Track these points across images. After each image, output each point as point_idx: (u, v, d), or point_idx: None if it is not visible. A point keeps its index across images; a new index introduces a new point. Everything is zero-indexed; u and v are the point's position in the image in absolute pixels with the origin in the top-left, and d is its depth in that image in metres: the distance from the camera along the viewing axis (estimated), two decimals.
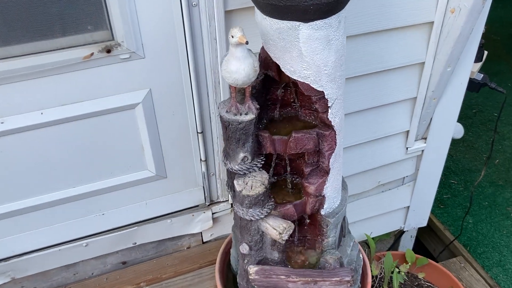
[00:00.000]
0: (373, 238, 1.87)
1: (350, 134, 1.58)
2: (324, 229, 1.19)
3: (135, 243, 1.51)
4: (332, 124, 1.06)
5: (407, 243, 2.25)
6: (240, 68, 0.92)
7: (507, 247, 2.37)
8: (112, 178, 1.37)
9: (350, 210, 1.85)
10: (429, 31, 1.44)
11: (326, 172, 1.13)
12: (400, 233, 2.19)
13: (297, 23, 0.90)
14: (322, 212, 1.17)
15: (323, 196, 1.15)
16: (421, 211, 2.01)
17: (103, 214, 1.42)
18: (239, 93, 1.04)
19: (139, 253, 1.56)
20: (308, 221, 1.22)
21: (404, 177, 1.87)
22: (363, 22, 1.36)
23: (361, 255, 1.35)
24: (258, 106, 1.03)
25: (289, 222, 1.09)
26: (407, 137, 1.70)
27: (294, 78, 0.98)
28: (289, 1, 0.86)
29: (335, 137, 1.08)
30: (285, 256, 1.17)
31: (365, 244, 1.98)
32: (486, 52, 1.76)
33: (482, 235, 2.45)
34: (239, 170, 1.08)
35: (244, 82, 0.96)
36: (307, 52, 0.93)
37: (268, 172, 1.14)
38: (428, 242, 2.59)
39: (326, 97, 1.01)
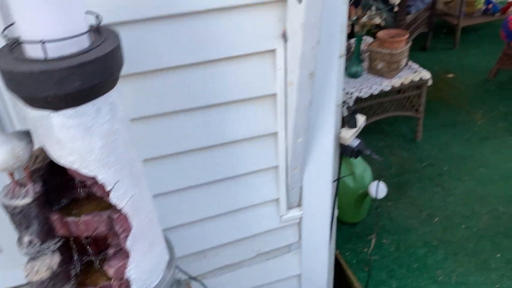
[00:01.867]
0: None
1: (210, 204, 1.56)
2: None
3: None
4: (119, 207, 1.03)
5: None
6: None
7: None
8: None
9: (232, 281, 1.80)
10: (275, 103, 1.44)
11: (126, 255, 1.10)
12: None
13: (47, 112, 0.89)
14: None
15: (127, 279, 1.11)
16: (317, 279, 1.95)
17: None
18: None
19: None
20: None
21: (289, 245, 1.83)
22: (207, 95, 1.36)
23: None
24: (38, 190, 1.01)
25: None
26: (278, 205, 1.67)
27: (62, 163, 0.96)
28: (27, 92, 0.85)
29: (127, 219, 1.05)
30: None
31: None
32: (362, 118, 1.76)
33: None
34: (27, 254, 1.05)
35: (5, 168, 0.94)
36: (65, 140, 0.92)
37: (72, 254, 1.11)
38: None
39: (100, 181, 0.99)
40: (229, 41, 1.31)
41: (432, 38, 4.58)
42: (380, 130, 3.53)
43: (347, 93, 2.97)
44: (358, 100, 3.00)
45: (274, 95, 1.41)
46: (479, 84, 3.96)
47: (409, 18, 3.86)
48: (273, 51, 1.34)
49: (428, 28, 4.36)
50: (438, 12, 4.67)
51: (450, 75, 4.10)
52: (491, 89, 3.87)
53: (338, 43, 1.43)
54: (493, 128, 3.46)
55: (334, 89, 1.48)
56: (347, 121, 1.69)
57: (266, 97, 1.42)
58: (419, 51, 4.52)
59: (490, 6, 4.67)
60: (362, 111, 3.10)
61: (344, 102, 1.65)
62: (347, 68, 3.10)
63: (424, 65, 4.23)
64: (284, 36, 1.32)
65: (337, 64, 1.46)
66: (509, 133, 3.38)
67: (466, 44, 4.58)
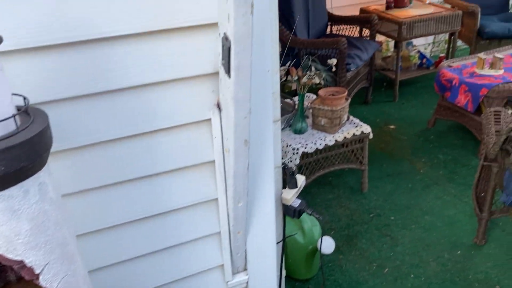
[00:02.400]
0: None
1: (154, 274, 1.53)
2: None
3: None
4: None
5: None
6: None
7: None
8: None
9: None
10: (214, 169, 1.46)
11: None
12: None
13: None
14: None
15: None
16: None
17: None
18: None
19: None
20: None
21: None
22: (146, 165, 1.38)
23: None
24: None
25: None
26: (223, 271, 1.66)
27: None
28: None
29: None
30: None
31: None
32: (302, 178, 1.81)
33: None
34: None
35: None
36: None
37: None
38: None
39: (29, 265, 0.96)
40: (166, 112, 1.35)
41: (373, 92, 4.82)
42: (328, 183, 3.62)
43: (293, 149, 3.05)
44: (305, 155, 3.08)
45: (212, 162, 1.44)
46: (419, 134, 4.16)
47: (349, 74, 4.07)
48: (208, 120, 1.39)
49: (369, 83, 4.60)
50: (377, 67, 4.95)
51: (392, 127, 4.30)
52: (431, 138, 4.08)
53: (272, 110, 1.49)
54: (434, 176, 3.62)
55: (271, 152, 1.54)
56: (288, 181, 1.74)
57: (204, 164, 1.45)
58: (361, 104, 4.73)
59: (424, 60, 5.00)
60: (309, 165, 3.18)
61: (283, 163, 1.70)
62: (292, 125, 3.20)
63: (366, 118, 4.44)
64: (219, 107, 1.37)
65: (272, 128, 1.52)
66: (449, 180, 3.54)
67: (405, 96, 4.84)
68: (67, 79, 1.19)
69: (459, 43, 5.45)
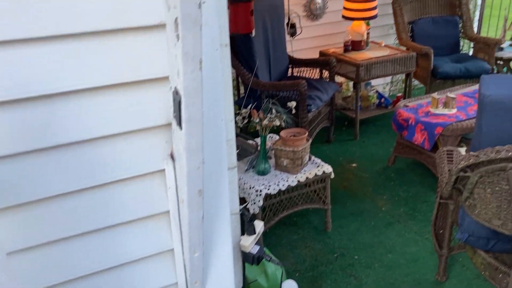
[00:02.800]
0: None
1: None
2: None
3: None
4: None
5: None
6: None
7: None
8: None
9: None
10: (169, 220, 1.46)
11: None
12: None
13: None
14: None
15: None
16: None
17: None
18: None
19: None
20: None
21: None
22: (99, 218, 1.35)
23: None
24: None
25: None
26: None
27: None
28: None
29: None
30: None
31: None
32: (261, 223, 1.82)
33: None
34: None
35: None
36: None
37: None
38: None
39: None
40: (120, 164, 1.34)
41: (335, 131, 4.93)
42: (293, 223, 3.62)
43: (256, 190, 3.06)
44: (268, 196, 3.09)
45: (167, 213, 1.44)
46: (380, 172, 4.26)
47: (310, 115, 4.16)
48: (162, 171, 1.39)
49: (330, 122, 4.71)
50: (338, 107, 5.08)
51: (354, 165, 4.38)
52: (391, 176, 4.18)
53: (227, 157, 1.51)
54: (396, 213, 3.68)
55: (227, 199, 1.54)
56: (246, 228, 1.74)
57: (160, 215, 1.44)
58: (324, 143, 4.82)
59: (383, 100, 5.17)
60: (272, 207, 3.19)
61: (241, 210, 1.71)
62: (255, 166, 3.22)
63: (329, 157, 4.52)
64: (172, 157, 1.38)
65: (228, 176, 1.54)
66: (410, 217, 3.61)
67: (366, 135, 4.97)
68: (16, 134, 1.18)
69: (416, 82, 5.68)
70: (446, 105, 3.84)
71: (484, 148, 1.84)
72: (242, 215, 1.72)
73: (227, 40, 1.42)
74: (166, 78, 1.28)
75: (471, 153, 1.88)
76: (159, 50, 1.25)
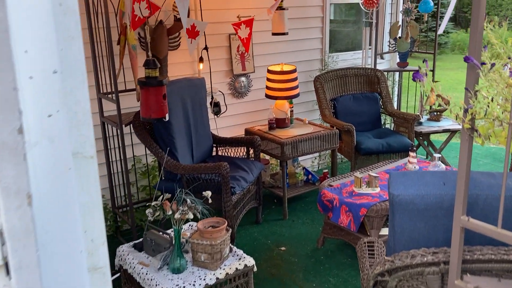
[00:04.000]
0: None
1: None
2: None
3: None
4: None
5: None
6: None
7: None
8: None
9: None
10: None
11: None
12: None
13: None
14: None
15: None
16: None
17: None
18: None
19: None
20: None
21: None
22: None
23: None
24: None
25: None
26: None
27: None
28: None
29: None
30: None
31: None
32: None
33: None
34: None
35: None
36: None
37: None
38: None
39: None
40: None
41: (264, 210, 4.75)
42: None
43: None
44: None
45: None
46: (310, 255, 4.06)
47: (235, 197, 3.96)
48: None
49: (258, 202, 4.53)
50: (266, 185, 4.94)
51: (283, 248, 4.17)
52: (321, 259, 3.99)
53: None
54: None
55: None
56: None
57: None
58: (253, 224, 4.61)
59: (310, 176, 5.10)
60: None
61: None
62: (170, 263, 2.92)
63: (258, 240, 4.30)
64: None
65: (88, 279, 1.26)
66: None
67: (295, 213, 4.81)
68: None
69: (342, 156, 5.70)
70: (369, 184, 3.78)
71: (399, 249, 1.71)
72: None
73: (92, 152, 1.21)
74: None
75: (386, 257, 1.74)
76: None
